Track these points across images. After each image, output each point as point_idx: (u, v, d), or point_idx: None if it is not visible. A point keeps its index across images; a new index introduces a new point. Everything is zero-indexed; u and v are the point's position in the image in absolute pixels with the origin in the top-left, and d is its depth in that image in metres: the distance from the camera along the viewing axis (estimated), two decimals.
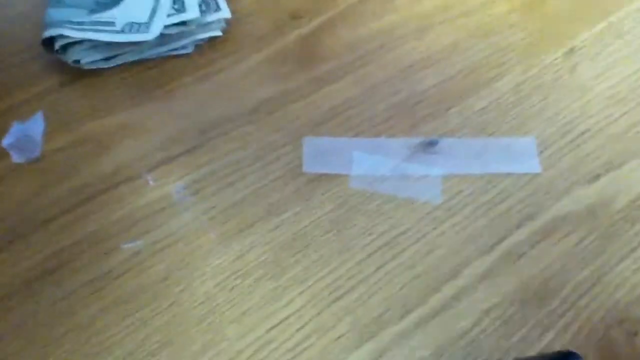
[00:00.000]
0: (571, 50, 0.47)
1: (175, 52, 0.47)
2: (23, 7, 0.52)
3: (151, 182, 0.40)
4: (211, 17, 0.47)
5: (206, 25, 0.47)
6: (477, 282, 0.37)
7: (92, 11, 0.45)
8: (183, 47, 0.47)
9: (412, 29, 0.49)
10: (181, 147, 0.42)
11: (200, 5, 0.46)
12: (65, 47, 0.45)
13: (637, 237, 0.38)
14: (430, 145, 0.42)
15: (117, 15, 0.45)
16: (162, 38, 0.46)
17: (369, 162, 0.41)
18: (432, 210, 0.40)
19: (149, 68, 0.47)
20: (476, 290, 0.37)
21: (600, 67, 0.46)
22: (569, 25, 0.49)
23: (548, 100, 0.45)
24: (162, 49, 0.47)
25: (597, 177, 0.41)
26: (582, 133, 0.43)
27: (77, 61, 0.45)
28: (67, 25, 0.43)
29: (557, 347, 0.35)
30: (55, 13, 0.45)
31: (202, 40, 0.48)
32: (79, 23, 0.44)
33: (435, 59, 0.47)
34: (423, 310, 0.36)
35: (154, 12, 0.45)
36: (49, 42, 0.44)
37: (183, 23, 0.46)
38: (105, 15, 0.45)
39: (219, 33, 0.48)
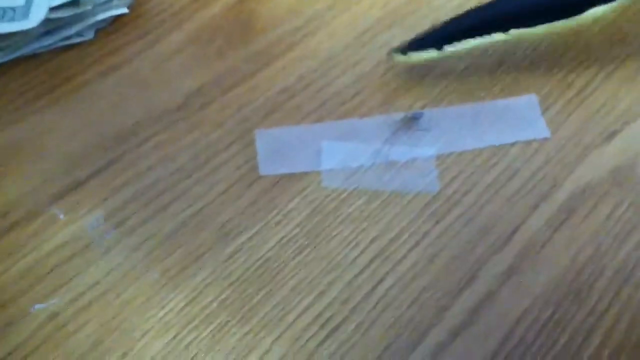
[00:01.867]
0: None
1: (70, 41, 0.36)
2: None
3: (61, 216, 0.30)
4: None
5: (107, 3, 0.37)
6: (498, 285, 0.29)
7: None
8: (80, 34, 0.37)
9: None
10: (91, 166, 0.32)
11: None
12: None
13: None
14: (414, 119, 0.33)
15: None
16: (50, 24, 0.35)
17: (342, 151, 0.32)
18: (429, 203, 0.31)
19: (37, 66, 0.36)
20: (499, 295, 0.29)
21: None
22: None
23: (540, 49, 0.37)
24: (52, 39, 0.36)
25: (613, 134, 0.34)
26: (587, 83, 0.36)
27: None
28: None
29: (607, 353, 0.28)
30: None
31: (104, 22, 0.37)
32: None
33: (400, 13, 0.38)
34: (439, 332, 0.28)
35: None
36: None
37: (75, 2, 0.35)
38: None
39: (124, 10, 0.37)
